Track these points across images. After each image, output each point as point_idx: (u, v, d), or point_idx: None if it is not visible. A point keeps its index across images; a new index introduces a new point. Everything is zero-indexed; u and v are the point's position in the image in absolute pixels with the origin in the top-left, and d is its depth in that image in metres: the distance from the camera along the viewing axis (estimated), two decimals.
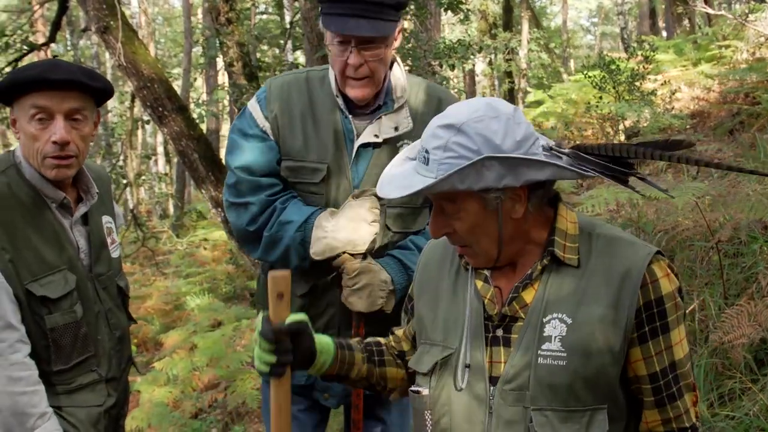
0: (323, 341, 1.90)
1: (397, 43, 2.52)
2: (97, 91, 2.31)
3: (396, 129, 2.53)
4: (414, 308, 1.94)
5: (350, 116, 2.53)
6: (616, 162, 1.72)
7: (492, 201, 1.63)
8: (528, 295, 1.70)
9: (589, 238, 1.72)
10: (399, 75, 2.58)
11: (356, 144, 2.52)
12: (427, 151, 1.62)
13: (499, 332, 1.71)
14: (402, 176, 1.68)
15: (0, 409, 2.18)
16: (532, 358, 1.65)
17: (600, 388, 1.64)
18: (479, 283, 1.77)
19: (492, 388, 1.69)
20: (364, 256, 2.44)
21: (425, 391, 1.77)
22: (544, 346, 1.65)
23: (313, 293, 2.56)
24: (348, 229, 2.39)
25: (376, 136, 2.52)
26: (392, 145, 2.53)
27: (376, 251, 2.50)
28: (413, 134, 2.49)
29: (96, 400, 2.41)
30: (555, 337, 1.65)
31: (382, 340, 2.06)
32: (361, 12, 2.34)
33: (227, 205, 2.58)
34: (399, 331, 2.05)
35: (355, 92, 2.46)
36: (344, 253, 2.42)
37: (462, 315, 1.76)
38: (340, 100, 2.53)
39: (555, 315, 1.66)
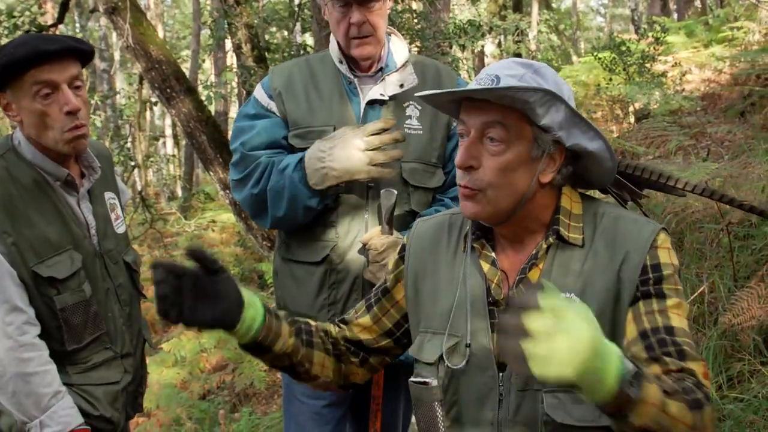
0: (249, 296, 1.68)
1: (390, 3, 2.61)
2: (87, 54, 2.32)
3: (402, 86, 2.59)
4: (408, 295, 1.86)
5: (355, 80, 2.60)
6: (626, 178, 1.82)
7: (541, 146, 1.61)
8: (533, 276, 1.66)
9: (594, 217, 1.70)
10: (397, 42, 2.68)
11: (363, 103, 2.57)
12: (497, 77, 1.57)
13: None
14: (473, 85, 1.59)
15: (14, 392, 2.19)
16: None
17: None
18: (486, 266, 1.72)
19: (501, 374, 1.65)
20: (390, 231, 2.46)
21: (434, 382, 1.71)
22: None
23: (332, 259, 2.57)
24: (342, 158, 2.41)
25: (382, 94, 2.58)
26: (399, 104, 2.59)
27: (400, 220, 2.52)
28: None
29: (113, 377, 2.43)
30: None
31: (311, 321, 1.90)
32: None
33: (234, 184, 2.62)
34: (362, 320, 1.92)
35: (360, 50, 2.53)
36: (344, 184, 2.46)
37: (461, 299, 1.72)
38: (343, 67, 2.60)
39: (562, 295, 1.62)
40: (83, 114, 2.27)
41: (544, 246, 1.67)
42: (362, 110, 2.58)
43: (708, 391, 1.55)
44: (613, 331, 1.61)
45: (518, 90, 1.52)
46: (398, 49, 2.67)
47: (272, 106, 2.61)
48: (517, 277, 1.68)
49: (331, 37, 2.67)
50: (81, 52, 2.28)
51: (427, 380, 1.72)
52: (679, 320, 1.61)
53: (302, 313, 2.58)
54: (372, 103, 2.59)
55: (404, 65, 2.63)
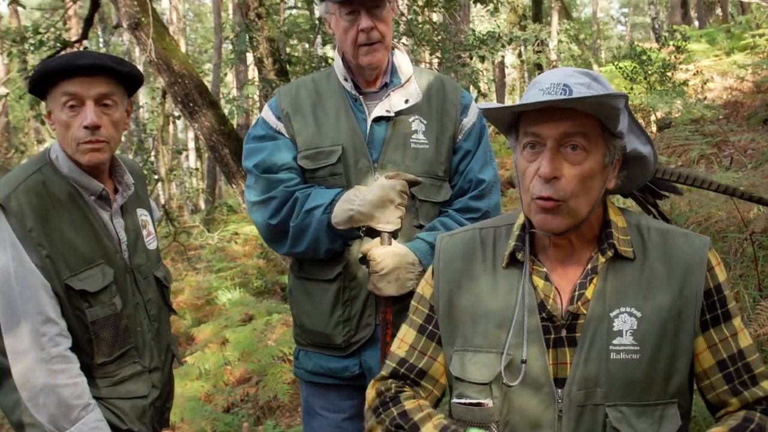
0: None
1: (393, 11, 2.64)
2: (125, 76, 2.34)
3: (407, 101, 2.61)
4: (440, 312, 1.84)
5: (360, 97, 2.61)
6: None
7: (613, 152, 1.63)
8: (588, 291, 1.67)
9: (639, 230, 1.72)
10: (401, 56, 2.71)
11: (369, 120, 2.59)
12: (567, 85, 1.57)
13: (563, 332, 1.67)
14: (551, 95, 1.57)
15: (44, 403, 2.22)
16: (603, 354, 1.62)
17: (671, 382, 1.64)
18: (540, 282, 1.71)
19: (559, 390, 1.64)
20: (389, 241, 2.47)
21: (490, 403, 1.69)
22: (615, 341, 1.62)
23: (345, 276, 2.58)
24: (375, 205, 2.42)
25: (388, 111, 2.59)
26: (405, 119, 2.61)
27: (407, 233, 2.54)
28: (423, 108, 2.62)
29: (141, 391, 2.45)
30: (626, 331, 1.63)
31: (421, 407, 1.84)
32: None
33: (249, 206, 2.64)
34: (435, 371, 1.87)
35: (370, 58, 2.55)
36: (366, 227, 2.46)
37: (520, 316, 1.69)
38: (348, 85, 2.62)
39: (623, 309, 1.64)
40: (105, 132, 2.30)
41: (602, 259, 1.68)
42: (369, 127, 2.60)
43: None
44: (674, 344, 1.63)
45: (614, 97, 1.53)
46: (402, 64, 2.69)
47: (281, 127, 2.63)
48: (576, 293, 1.67)
49: (335, 55, 2.70)
50: (114, 72, 2.30)
51: (481, 401, 1.70)
52: (745, 338, 1.71)
53: (318, 331, 2.62)
54: (378, 119, 2.60)
55: (408, 80, 2.65)
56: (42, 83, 2.29)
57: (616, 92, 1.54)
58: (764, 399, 1.70)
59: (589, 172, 1.60)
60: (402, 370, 1.90)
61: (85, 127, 2.26)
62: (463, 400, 1.72)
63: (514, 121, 1.69)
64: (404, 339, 1.92)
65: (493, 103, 1.70)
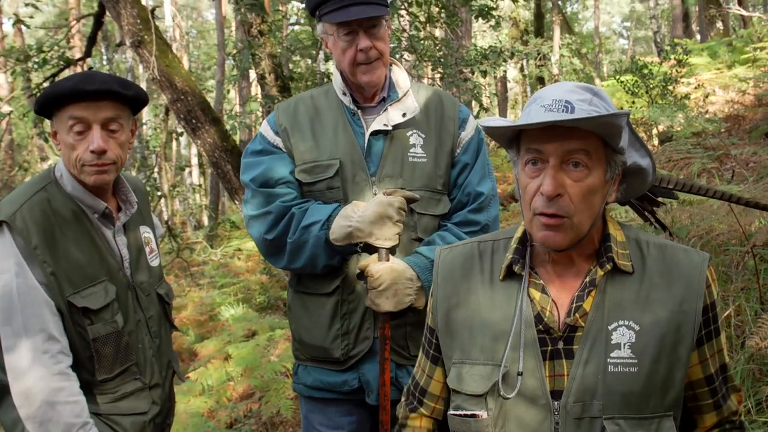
0: None
1: (389, 31, 2.68)
2: (131, 99, 2.37)
3: (404, 115, 2.63)
4: (439, 325, 1.85)
5: (358, 111, 2.64)
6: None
7: (613, 168, 1.65)
8: (586, 304, 1.68)
9: (638, 244, 1.73)
10: (399, 72, 2.74)
11: (367, 134, 2.61)
12: (569, 102, 1.57)
13: (560, 344, 1.67)
14: (552, 115, 1.58)
15: (42, 421, 2.22)
16: (600, 367, 1.63)
17: (668, 394, 1.65)
18: (537, 294, 1.72)
19: (556, 403, 1.65)
20: (387, 257, 2.48)
21: (484, 414, 1.70)
22: (613, 354, 1.63)
23: (343, 289, 2.59)
24: (373, 222, 2.43)
25: (385, 125, 2.61)
26: (403, 133, 2.63)
27: (406, 247, 2.56)
28: (421, 123, 2.64)
29: (141, 408, 2.45)
30: (624, 344, 1.63)
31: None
32: None
33: (247, 220, 2.66)
34: (434, 389, 1.93)
35: (369, 76, 2.58)
36: (364, 243, 2.47)
37: (516, 328, 1.70)
38: (347, 99, 2.65)
39: (621, 322, 1.65)
40: (112, 155, 2.33)
41: (601, 273, 1.68)
42: (366, 141, 2.62)
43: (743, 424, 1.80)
44: (672, 358, 1.64)
45: (617, 116, 1.54)
46: (400, 79, 2.72)
47: (278, 142, 2.66)
48: (574, 305, 1.68)
49: (334, 70, 2.73)
50: (121, 96, 2.32)
51: (476, 413, 1.71)
52: (726, 354, 1.75)
53: (316, 345, 2.62)
54: (376, 133, 2.62)
55: (406, 95, 2.67)
56: (48, 105, 2.31)
57: (619, 111, 1.54)
58: (734, 413, 1.78)
59: (591, 188, 1.62)
60: (411, 388, 2.00)
61: (92, 152, 2.28)
62: (458, 412, 1.73)
63: (516, 136, 1.70)
64: (418, 361, 2.00)
65: (495, 119, 1.70)
